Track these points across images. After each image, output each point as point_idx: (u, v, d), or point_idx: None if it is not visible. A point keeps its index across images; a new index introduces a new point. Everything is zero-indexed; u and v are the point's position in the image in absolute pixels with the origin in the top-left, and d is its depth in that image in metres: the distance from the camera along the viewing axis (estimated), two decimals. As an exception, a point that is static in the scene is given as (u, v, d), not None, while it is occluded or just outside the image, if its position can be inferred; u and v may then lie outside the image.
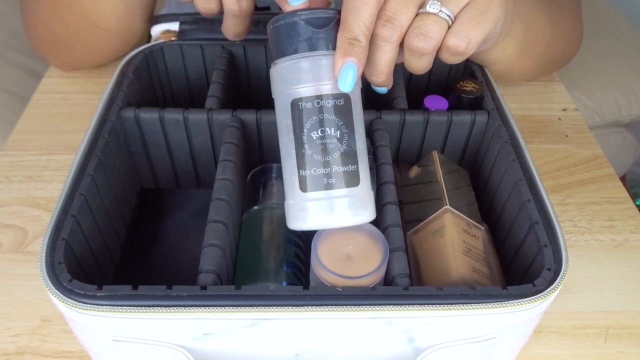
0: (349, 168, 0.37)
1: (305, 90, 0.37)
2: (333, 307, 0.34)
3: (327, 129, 0.37)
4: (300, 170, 0.37)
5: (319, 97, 0.37)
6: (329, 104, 0.37)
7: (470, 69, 0.55)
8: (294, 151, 0.37)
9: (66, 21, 0.61)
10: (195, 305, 0.34)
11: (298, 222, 0.38)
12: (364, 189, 0.38)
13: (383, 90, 0.43)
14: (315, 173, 0.37)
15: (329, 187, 0.37)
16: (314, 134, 0.37)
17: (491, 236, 0.47)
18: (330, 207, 0.37)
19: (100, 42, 0.63)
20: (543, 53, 0.61)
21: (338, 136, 0.37)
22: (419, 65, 0.40)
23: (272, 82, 0.39)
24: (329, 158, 0.37)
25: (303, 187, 0.37)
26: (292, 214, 0.38)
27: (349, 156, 0.37)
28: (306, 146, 0.37)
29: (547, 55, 0.62)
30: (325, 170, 0.37)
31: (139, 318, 0.34)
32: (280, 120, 0.39)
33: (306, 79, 0.37)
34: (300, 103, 0.37)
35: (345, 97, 0.37)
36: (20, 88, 0.98)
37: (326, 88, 0.37)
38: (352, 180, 0.37)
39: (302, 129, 0.37)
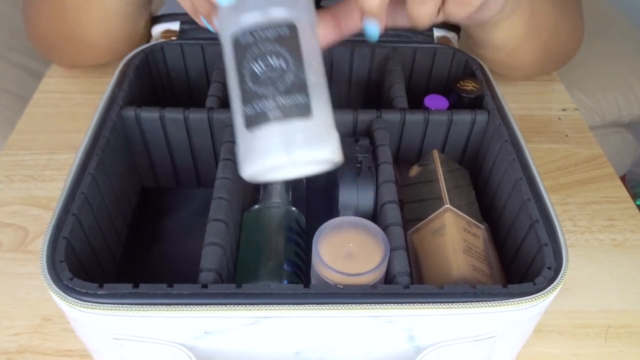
0: (297, 100, 0.33)
1: (245, 18, 0.34)
2: (334, 305, 0.34)
3: (270, 59, 0.34)
4: (245, 108, 0.34)
5: (260, 27, 0.34)
6: (270, 33, 0.34)
7: (471, 68, 0.55)
8: (238, 88, 0.34)
9: (56, 32, 0.63)
10: (196, 304, 0.34)
11: (246, 165, 0.34)
12: (320, 124, 0.34)
13: (374, 32, 0.39)
14: (258, 109, 0.33)
15: (275, 119, 0.33)
16: (256, 66, 0.34)
17: (491, 235, 0.47)
18: (279, 143, 0.33)
19: (89, 54, 0.65)
20: (548, 40, 0.61)
21: (284, 67, 0.34)
22: (422, 10, 0.39)
23: (217, 21, 0.37)
24: (273, 89, 0.33)
25: (250, 125, 0.33)
26: (241, 156, 0.34)
27: (297, 87, 0.33)
28: (248, 80, 0.34)
29: (551, 43, 0.62)
30: (272, 104, 0.33)
31: (140, 316, 0.34)
32: (226, 63, 0.35)
33: (245, 7, 0.34)
34: (241, 37, 0.34)
35: (291, 26, 0.34)
36: (20, 88, 0.98)
37: (267, 16, 0.34)
38: (302, 112, 0.33)
39: (244, 63, 0.34)
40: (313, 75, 0.34)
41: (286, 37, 0.34)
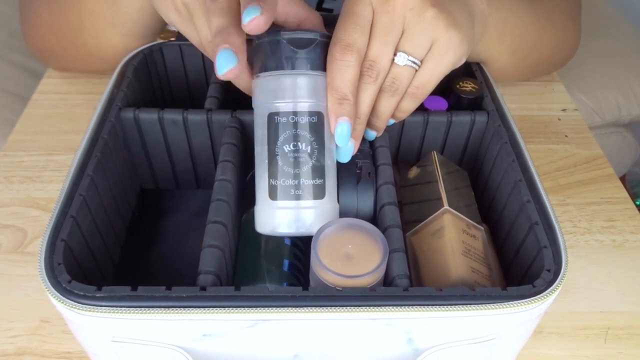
0: (316, 182, 0.39)
1: (282, 105, 0.39)
2: (332, 308, 0.34)
3: (299, 143, 0.39)
4: (271, 179, 0.39)
5: (295, 113, 0.39)
6: (303, 120, 0.39)
7: (470, 69, 0.55)
8: (267, 160, 0.39)
9: (64, 44, 0.62)
10: (195, 306, 0.34)
11: (266, 227, 0.40)
12: (329, 202, 0.40)
13: (371, 135, 0.45)
14: (284, 184, 0.39)
15: (295, 197, 0.39)
16: (286, 146, 0.39)
17: (491, 237, 0.47)
18: (296, 217, 0.39)
19: (97, 65, 0.64)
20: (527, 56, 0.61)
21: (309, 151, 0.39)
22: (388, 105, 0.43)
23: (254, 93, 0.41)
24: (298, 171, 0.39)
25: (272, 196, 0.39)
26: (260, 219, 0.40)
27: (318, 171, 0.39)
28: (278, 157, 0.39)
29: (532, 57, 0.62)
30: (294, 182, 0.39)
31: (139, 319, 0.34)
32: (257, 130, 0.41)
33: (284, 95, 0.39)
34: (276, 117, 0.39)
35: (319, 115, 0.40)
36: (20, 88, 0.98)
37: (302, 105, 0.39)
38: (318, 193, 0.39)
39: (276, 141, 0.39)
40: (330, 160, 0.40)
41: (315, 124, 0.39)
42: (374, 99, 0.42)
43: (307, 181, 0.39)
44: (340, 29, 0.40)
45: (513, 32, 0.56)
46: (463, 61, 0.44)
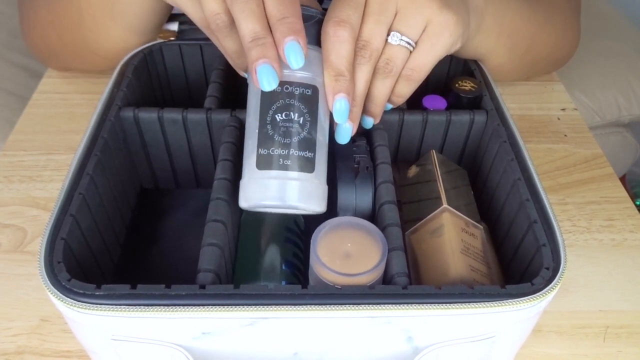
0: (306, 154, 0.39)
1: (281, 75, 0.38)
2: (332, 306, 0.34)
3: (292, 113, 0.39)
4: (260, 149, 0.38)
5: (289, 83, 0.39)
6: (297, 90, 0.39)
7: (469, 68, 0.55)
8: (257, 130, 0.39)
9: (64, 41, 0.62)
10: (194, 304, 0.34)
11: (251, 200, 0.39)
12: (318, 179, 0.39)
13: (368, 122, 0.45)
14: (273, 153, 0.38)
15: (284, 167, 0.38)
16: (278, 115, 0.38)
17: (490, 235, 0.47)
18: (282, 188, 0.38)
19: (96, 63, 0.64)
20: (525, 52, 0.61)
21: (301, 122, 0.39)
22: (383, 87, 0.43)
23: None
24: (288, 141, 0.38)
25: (260, 165, 0.38)
26: (247, 191, 0.39)
27: (308, 143, 0.39)
28: (269, 126, 0.38)
29: (530, 54, 0.62)
30: (283, 152, 0.38)
31: (138, 317, 0.34)
32: (250, 100, 0.40)
33: (283, 65, 0.38)
34: None
35: (314, 88, 0.39)
36: (20, 88, 0.98)
37: (298, 76, 0.39)
38: (307, 166, 0.39)
39: (269, 110, 0.39)
40: (322, 136, 0.40)
41: (309, 97, 0.39)
42: (369, 79, 0.41)
43: (296, 152, 0.38)
44: (333, 7, 0.40)
45: (510, 27, 0.56)
46: (458, 45, 0.44)
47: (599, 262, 0.52)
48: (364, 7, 0.40)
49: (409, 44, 0.41)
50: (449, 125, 0.49)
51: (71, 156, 0.43)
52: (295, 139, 0.38)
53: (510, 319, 0.36)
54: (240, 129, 0.47)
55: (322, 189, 0.40)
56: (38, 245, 0.37)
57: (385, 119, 0.48)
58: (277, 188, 0.38)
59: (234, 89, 0.57)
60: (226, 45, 0.41)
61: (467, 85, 0.52)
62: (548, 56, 0.66)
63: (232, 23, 0.39)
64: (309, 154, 0.39)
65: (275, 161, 0.38)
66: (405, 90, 0.44)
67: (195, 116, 0.48)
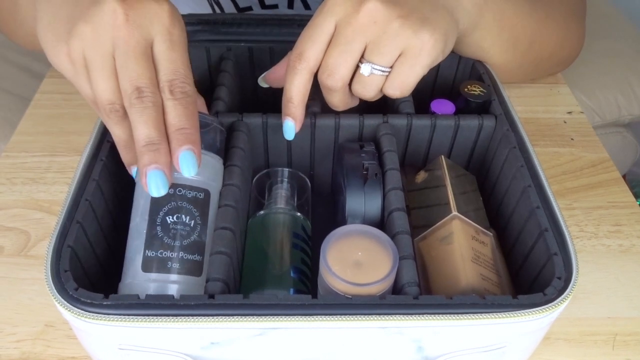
0: (195, 257, 0.38)
1: (173, 178, 0.38)
2: (342, 316, 0.34)
3: (183, 216, 0.39)
4: (147, 251, 0.38)
5: (182, 186, 0.39)
6: (189, 194, 0.39)
7: (477, 72, 0.55)
8: (145, 231, 0.38)
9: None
10: (203, 315, 0.33)
11: None
12: (203, 282, 0.38)
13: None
14: (161, 255, 0.38)
15: (171, 271, 0.37)
16: (169, 217, 0.38)
17: (498, 242, 0.47)
18: (163, 291, 0.37)
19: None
20: (528, 49, 0.60)
21: (192, 225, 0.39)
22: (333, 99, 0.45)
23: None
24: (177, 243, 0.38)
25: (146, 268, 0.37)
26: (123, 291, 0.38)
27: (197, 246, 0.39)
28: (159, 227, 0.38)
29: (533, 52, 0.62)
30: (172, 254, 0.38)
31: (146, 327, 0.33)
32: (138, 199, 0.40)
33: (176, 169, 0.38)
34: None
35: (206, 192, 0.40)
36: (21, 88, 0.97)
37: (191, 180, 0.39)
38: (195, 269, 0.38)
39: (159, 211, 0.38)
40: (209, 237, 0.39)
41: (200, 201, 0.39)
42: (343, 99, 0.45)
43: (185, 255, 0.38)
44: (298, 40, 0.43)
45: (511, 22, 0.56)
46: (441, 58, 0.45)
47: (606, 268, 0.52)
48: (328, 39, 0.42)
49: (382, 71, 0.43)
50: (457, 130, 0.49)
51: (74, 158, 0.43)
52: (185, 242, 0.38)
53: (521, 330, 0.35)
54: (247, 133, 0.46)
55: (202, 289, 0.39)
56: (42, 248, 0.37)
57: (393, 123, 0.48)
58: (159, 291, 0.37)
59: (241, 91, 0.57)
60: (115, 132, 0.40)
61: (475, 89, 0.51)
62: (552, 55, 0.65)
63: (125, 114, 0.38)
64: (198, 257, 0.38)
65: (163, 264, 0.37)
66: (397, 95, 0.45)
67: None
